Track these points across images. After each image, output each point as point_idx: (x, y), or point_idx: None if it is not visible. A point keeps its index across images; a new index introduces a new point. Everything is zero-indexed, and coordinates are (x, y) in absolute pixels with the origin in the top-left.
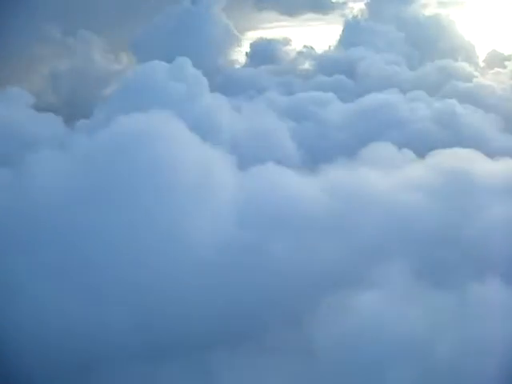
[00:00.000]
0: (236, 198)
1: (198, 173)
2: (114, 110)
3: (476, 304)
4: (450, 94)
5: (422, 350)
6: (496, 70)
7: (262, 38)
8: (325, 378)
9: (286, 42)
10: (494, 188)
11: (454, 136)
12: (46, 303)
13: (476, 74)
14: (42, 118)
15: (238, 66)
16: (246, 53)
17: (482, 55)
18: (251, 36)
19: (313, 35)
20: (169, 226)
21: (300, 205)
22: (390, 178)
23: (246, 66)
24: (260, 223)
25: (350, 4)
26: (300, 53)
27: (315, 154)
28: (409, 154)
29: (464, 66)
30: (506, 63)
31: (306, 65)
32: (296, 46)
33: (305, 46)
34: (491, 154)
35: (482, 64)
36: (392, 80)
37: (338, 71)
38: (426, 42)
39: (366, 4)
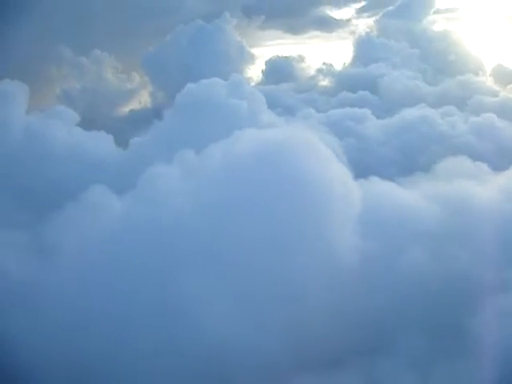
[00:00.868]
0: (356, 209)
1: (325, 184)
2: (172, 128)
3: None
4: (478, 108)
5: None
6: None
7: (277, 56)
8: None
9: (301, 59)
10: None
11: (499, 149)
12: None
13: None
14: (96, 137)
15: (252, 84)
16: (262, 70)
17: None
18: (258, 54)
19: (319, 52)
20: (304, 238)
21: (414, 215)
22: (482, 189)
23: (261, 83)
24: (384, 233)
25: (354, 21)
26: (319, 70)
27: (364, 169)
28: (483, 167)
29: (484, 80)
30: None
31: (326, 81)
32: (310, 63)
33: (324, 63)
34: None
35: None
36: (415, 95)
37: (360, 87)
38: (438, 58)
39: (374, 21)
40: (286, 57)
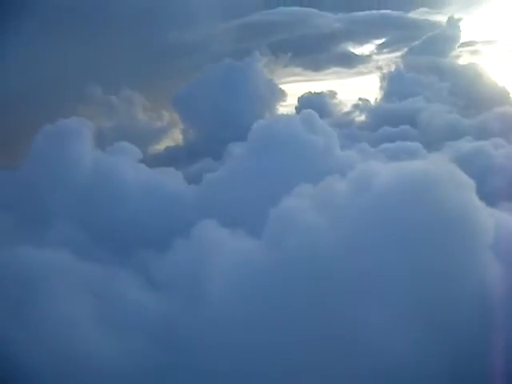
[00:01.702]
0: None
1: (472, 214)
2: (247, 163)
3: None
4: None
5: None
6: None
7: (309, 92)
8: None
9: (332, 95)
10: None
11: None
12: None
13: None
14: (166, 174)
15: None
16: (296, 107)
17: None
18: None
19: (342, 88)
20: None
21: None
22: None
23: None
24: None
25: (374, 57)
26: (356, 105)
27: None
28: None
29: None
30: None
31: (362, 117)
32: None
33: (360, 99)
34: None
35: None
36: (455, 129)
37: (398, 122)
38: (467, 91)
39: (400, 56)
40: (318, 93)
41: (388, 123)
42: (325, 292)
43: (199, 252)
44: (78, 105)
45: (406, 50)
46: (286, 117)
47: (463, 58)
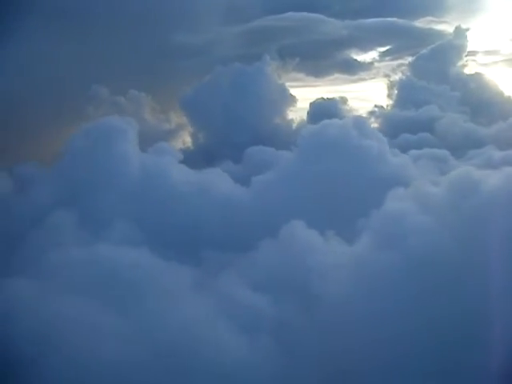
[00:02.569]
0: None
1: None
2: (298, 167)
3: None
4: None
5: None
6: None
7: (322, 98)
8: None
9: (343, 101)
10: None
11: None
12: None
13: None
14: (212, 175)
15: (294, 125)
16: (308, 112)
17: None
18: None
19: (344, 94)
20: None
21: None
22: None
23: (307, 125)
24: None
25: (376, 64)
26: (371, 112)
27: None
28: None
29: None
30: None
31: (377, 124)
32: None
33: (376, 106)
34: None
35: None
36: (472, 137)
37: (414, 130)
38: (477, 100)
39: (409, 64)
40: (330, 99)
41: (406, 131)
42: (450, 291)
43: (292, 253)
44: (86, 105)
45: (408, 57)
46: (336, 123)
47: (469, 68)
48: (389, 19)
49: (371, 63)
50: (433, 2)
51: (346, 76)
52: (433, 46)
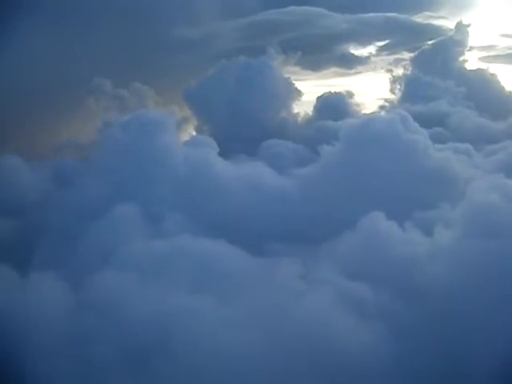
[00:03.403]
0: None
1: None
2: (341, 161)
3: None
4: None
5: None
6: None
7: (329, 92)
8: None
9: (350, 95)
10: None
11: None
12: None
13: None
14: (254, 166)
15: (300, 119)
16: (314, 106)
17: None
18: None
19: (341, 88)
20: None
21: None
22: None
23: (314, 119)
24: None
25: (373, 58)
26: (382, 106)
27: None
28: None
29: None
30: None
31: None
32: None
33: (386, 100)
34: None
35: None
36: (485, 132)
37: (426, 124)
38: (479, 96)
39: (410, 59)
40: (337, 93)
41: (420, 125)
42: None
43: (375, 243)
44: (88, 98)
45: (404, 52)
46: (381, 117)
47: (469, 63)
48: (388, 14)
49: (368, 57)
50: None
51: (342, 70)
52: (434, 41)
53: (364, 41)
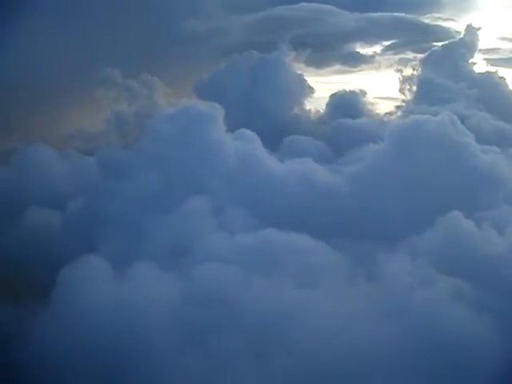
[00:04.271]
0: None
1: None
2: (390, 161)
3: None
4: None
5: None
6: None
7: (343, 90)
8: None
9: (363, 93)
10: None
11: None
12: None
13: None
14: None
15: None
16: (327, 103)
17: None
18: None
19: (343, 86)
20: None
21: None
22: None
23: (328, 116)
24: None
25: (377, 58)
26: (399, 107)
27: None
28: None
29: None
30: None
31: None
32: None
33: (403, 101)
34: None
35: None
36: (504, 135)
37: None
38: (490, 98)
39: (420, 59)
40: (351, 91)
41: None
42: None
43: (459, 241)
44: (98, 88)
45: (409, 52)
46: (431, 119)
47: (478, 66)
48: (396, 14)
49: (373, 56)
50: None
51: (347, 68)
52: (445, 42)
53: (371, 40)
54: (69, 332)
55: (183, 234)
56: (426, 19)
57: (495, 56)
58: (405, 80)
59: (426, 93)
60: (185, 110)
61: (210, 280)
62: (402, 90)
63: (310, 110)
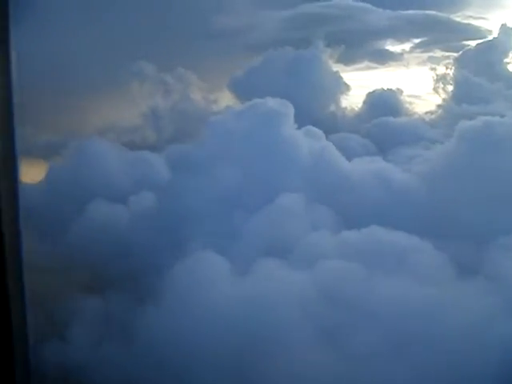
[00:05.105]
0: None
1: None
2: (457, 159)
3: None
4: None
5: None
6: None
7: (381, 89)
8: None
9: (400, 92)
10: None
11: None
12: None
13: None
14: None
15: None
16: (364, 101)
17: None
18: None
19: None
20: None
21: None
22: None
23: (366, 114)
24: None
25: (406, 55)
26: (439, 106)
27: None
28: None
29: None
30: None
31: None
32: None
33: (443, 100)
34: None
35: None
36: None
37: None
38: None
39: (454, 59)
40: (389, 89)
41: None
42: None
43: None
44: (132, 82)
45: (437, 51)
46: (498, 120)
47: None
48: (428, 12)
49: (401, 54)
50: None
51: (375, 65)
52: (480, 41)
53: (401, 37)
54: (191, 331)
55: (283, 231)
56: (457, 17)
57: None
58: (438, 79)
59: (463, 92)
60: (254, 106)
61: (334, 278)
62: (436, 89)
63: (345, 108)
